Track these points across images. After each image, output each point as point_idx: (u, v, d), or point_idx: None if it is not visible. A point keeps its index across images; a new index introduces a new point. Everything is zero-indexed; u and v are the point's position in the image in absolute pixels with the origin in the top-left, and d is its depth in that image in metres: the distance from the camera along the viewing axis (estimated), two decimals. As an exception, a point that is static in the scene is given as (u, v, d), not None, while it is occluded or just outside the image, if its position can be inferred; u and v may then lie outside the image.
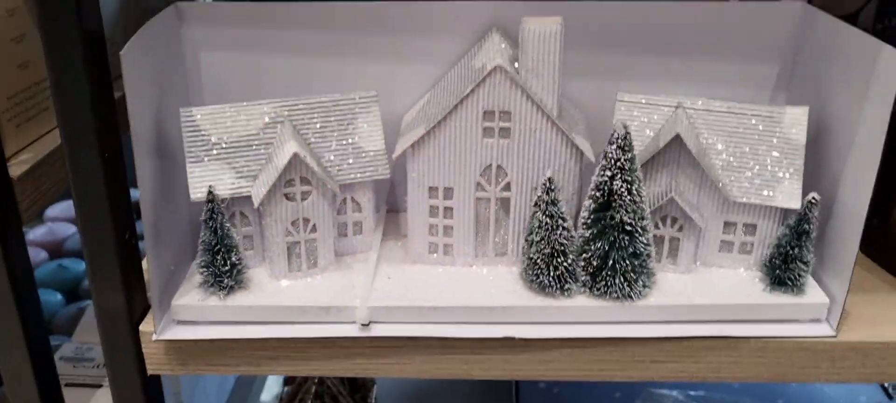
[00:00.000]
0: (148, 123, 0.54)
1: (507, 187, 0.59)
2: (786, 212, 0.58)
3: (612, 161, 0.53)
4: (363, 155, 0.59)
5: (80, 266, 1.12)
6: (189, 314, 0.56)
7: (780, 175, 0.57)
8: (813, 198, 0.54)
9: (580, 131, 0.59)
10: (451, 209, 0.59)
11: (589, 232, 0.55)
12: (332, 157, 0.59)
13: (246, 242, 0.59)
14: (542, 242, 0.55)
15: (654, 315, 0.56)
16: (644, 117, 0.59)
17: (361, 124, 0.59)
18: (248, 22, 0.62)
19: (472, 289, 0.58)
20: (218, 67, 0.64)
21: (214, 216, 0.54)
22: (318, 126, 0.59)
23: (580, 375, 0.58)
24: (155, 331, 0.55)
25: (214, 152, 0.57)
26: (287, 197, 0.57)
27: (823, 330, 0.56)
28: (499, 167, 0.58)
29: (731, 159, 0.58)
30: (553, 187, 0.54)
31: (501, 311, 0.56)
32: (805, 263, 0.56)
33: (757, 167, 0.58)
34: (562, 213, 0.54)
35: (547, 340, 0.56)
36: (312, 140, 0.58)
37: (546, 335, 0.56)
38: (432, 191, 0.59)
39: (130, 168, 0.53)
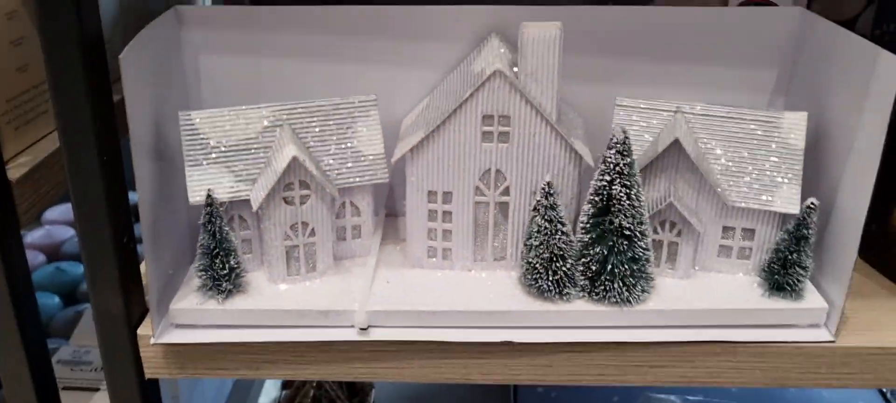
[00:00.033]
0: (147, 127, 0.54)
1: (506, 191, 0.59)
2: (784, 217, 0.58)
3: (611, 165, 0.53)
4: (362, 159, 0.59)
5: (77, 269, 1.12)
6: (187, 318, 0.56)
7: (779, 180, 0.57)
8: (812, 203, 0.54)
9: (579, 136, 0.59)
10: (450, 213, 0.59)
11: (588, 236, 0.55)
12: (331, 161, 0.59)
13: (244, 246, 0.59)
14: (541, 246, 0.55)
15: (653, 319, 0.56)
16: (643, 122, 0.59)
17: (360, 128, 0.59)
18: (248, 25, 0.62)
19: (470, 294, 0.58)
20: (217, 71, 0.64)
21: (213, 220, 0.54)
22: (317, 130, 0.59)
23: (578, 379, 0.57)
24: (153, 335, 0.55)
25: (213, 156, 0.57)
26: (286, 201, 0.57)
27: (822, 335, 0.56)
28: (498, 171, 0.58)
29: (730, 164, 0.58)
30: (552, 191, 0.54)
31: (500, 315, 0.56)
32: (804, 268, 0.56)
33: (755, 172, 0.58)
34: (561, 218, 0.54)
35: (545, 344, 0.56)
36: (311, 144, 0.58)
37: (545, 339, 0.55)
38: (431, 195, 0.59)
39: (129, 171, 0.53)
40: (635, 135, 0.58)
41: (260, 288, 0.58)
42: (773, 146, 0.58)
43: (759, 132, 0.58)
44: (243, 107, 0.57)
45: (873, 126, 0.52)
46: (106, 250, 0.53)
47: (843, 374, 0.57)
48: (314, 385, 0.89)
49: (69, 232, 1.23)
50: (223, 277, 0.56)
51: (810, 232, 0.55)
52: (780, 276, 0.56)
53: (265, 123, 0.58)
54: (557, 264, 0.55)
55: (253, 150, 0.57)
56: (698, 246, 0.60)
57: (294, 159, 0.55)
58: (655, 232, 0.58)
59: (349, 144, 0.59)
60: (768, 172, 0.57)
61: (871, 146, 0.52)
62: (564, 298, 0.56)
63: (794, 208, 0.57)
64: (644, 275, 0.56)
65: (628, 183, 0.53)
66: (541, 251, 0.55)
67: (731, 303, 0.57)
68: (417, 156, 0.58)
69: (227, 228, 0.55)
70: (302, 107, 0.58)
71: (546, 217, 0.54)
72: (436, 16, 0.62)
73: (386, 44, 0.63)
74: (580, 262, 0.56)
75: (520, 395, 0.90)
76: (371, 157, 0.60)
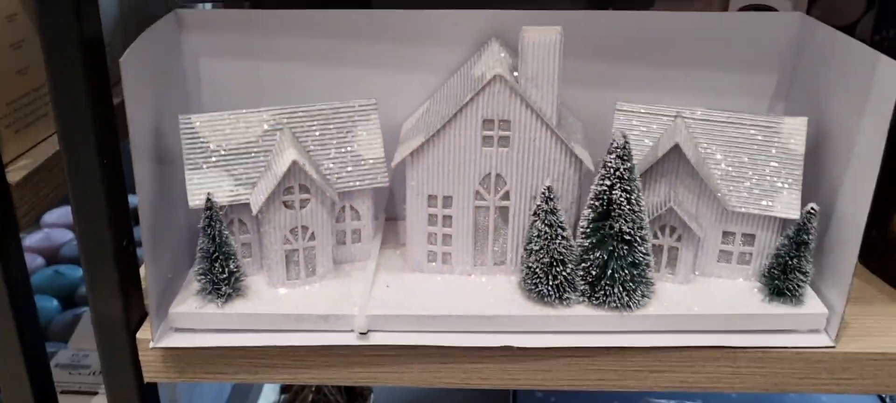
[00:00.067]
0: (147, 130, 0.54)
1: (506, 196, 0.59)
2: (784, 223, 0.58)
3: (612, 170, 0.53)
4: (362, 163, 0.59)
5: (76, 272, 1.12)
6: (186, 321, 0.56)
7: (779, 185, 0.57)
8: (812, 208, 0.54)
9: (579, 140, 0.59)
10: (450, 217, 0.59)
11: (588, 241, 0.55)
12: (331, 165, 0.59)
13: (244, 250, 0.59)
14: (541, 251, 0.55)
15: (653, 324, 0.56)
16: (643, 126, 0.59)
17: (361, 132, 0.59)
18: (248, 29, 0.62)
19: (470, 298, 0.58)
20: (217, 74, 0.64)
21: (213, 223, 0.54)
22: (317, 133, 0.59)
23: (578, 384, 0.57)
24: (152, 339, 0.55)
25: (213, 159, 0.57)
26: (286, 204, 0.56)
27: (822, 340, 0.56)
28: (498, 176, 0.58)
29: (730, 169, 0.58)
30: (552, 196, 0.54)
31: (500, 320, 0.56)
32: (804, 273, 0.56)
33: (756, 177, 0.58)
34: (561, 222, 0.54)
35: (545, 349, 0.56)
36: (311, 147, 0.58)
37: (544, 344, 0.55)
38: (431, 199, 0.59)
39: (129, 174, 0.53)
40: (635, 139, 0.58)
41: (259, 292, 0.58)
42: (774, 151, 0.58)
43: (760, 137, 0.58)
44: (243, 111, 0.57)
45: (873, 131, 0.52)
46: (105, 254, 0.53)
47: (843, 379, 0.56)
48: (313, 389, 0.89)
49: (68, 235, 1.22)
50: (223, 281, 0.55)
51: (810, 237, 0.55)
52: (781, 281, 0.56)
53: (265, 127, 0.58)
54: (557, 269, 0.55)
55: (253, 154, 0.57)
56: (698, 251, 0.60)
57: (294, 163, 0.55)
58: (655, 236, 0.58)
59: (349, 148, 0.59)
60: (768, 177, 0.57)
61: (871, 151, 0.52)
62: (564, 303, 0.56)
63: (795, 213, 0.57)
64: (644, 280, 0.56)
65: (628, 187, 0.53)
66: (541, 255, 0.55)
67: (732, 308, 0.57)
68: (417, 161, 0.58)
69: (226, 232, 0.55)
70: (302, 111, 0.58)
71: (546, 221, 0.54)
72: (436, 20, 0.62)
73: (386, 48, 0.63)
74: (580, 267, 0.56)
75: (519, 400, 0.90)
76: (371, 161, 0.60)
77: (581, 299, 0.56)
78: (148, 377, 0.57)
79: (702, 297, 0.58)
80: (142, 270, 0.58)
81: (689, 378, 0.57)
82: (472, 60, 0.61)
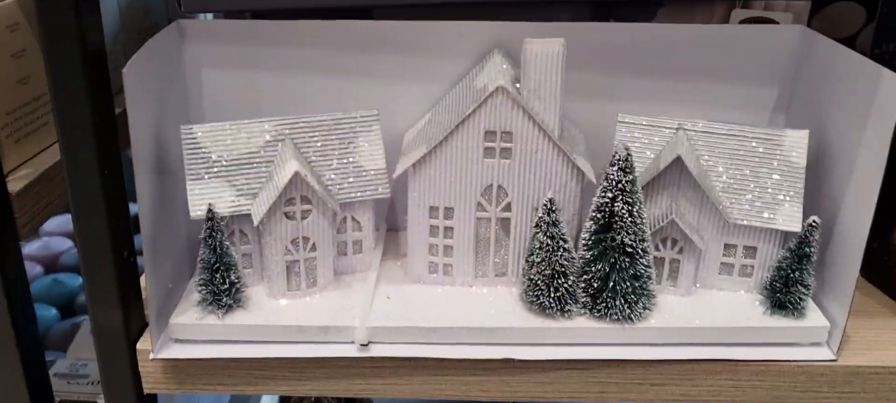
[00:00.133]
0: (148, 140, 0.54)
1: (508, 207, 0.59)
2: (786, 235, 0.58)
3: (613, 182, 0.53)
4: (364, 174, 0.59)
5: (75, 281, 1.12)
6: (187, 332, 0.56)
7: (781, 197, 0.57)
8: (813, 221, 0.54)
9: (581, 152, 0.59)
10: (452, 229, 0.59)
11: (589, 253, 0.55)
12: (332, 176, 0.59)
13: (245, 260, 0.59)
14: (543, 263, 0.55)
15: (654, 337, 0.56)
16: (645, 139, 0.59)
17: (362, 143, 0.59)
18: (251, 40, 0.62)
19: (471, 310, 0.58)
20: (219, 85, 0.64)
21: (214, 234, 0.54)
22: (319, 144, 0.58)
23: (579, 397, 0.57)
24: (152, 350, 0.55)
25: (215, 170, 0.57)
26: (287, 215, 0.56)
27: (824, 353, 0.56)
28: (500, 187, 0.58)
29: (732, 181, 0.58)
30: (554, 208, 0.54)
31: (501, 332, 0.56)
32: (806, 286, 0.56)
33: (757, 189, 0.58)
34: (562, 234, 0.54)
35: (546, 361, 0.55)
36: (313, 158, 0.58)
37: (546, 356, 0.55)
38: (433, 210, 0.59)
39: (130, 183, 0.53)
40: (637, 151, 0.58)
41: (260, 303, 0.58)
42: (775, 164, 0.58)
43: (761, 150, 0.58)
44: (245, 122, 0.57)
45: (875, 144, 0.52)
46: (106, 264, 0.53)
47: (844, 393, 0.56)
48: (313, 400, 0.88)
49: (67, 243, 1.22)
50: (223, 292, 0.55)
51: (812, 250, 0.55)
52: (782, 294, 0.56)
53: (267, 138, 0.58)
54: (559, 281, 0.55)
55: (254, 165, 0.57)
56: (700, 264, 0.60)
57: (296, 174, 0.54)
58: (657, 249, 0.58)
59: (351, 159, 0.59)
60: (770, 190, 0.57)
61: (873, 164, 0.52)
62: (566, 315, 0.56)
63: (796, 226, 0.56)
64: (646, 293, 0.56)
65: (630, 200, 0.53)
66: (542, 267, 0.55)
67: (733, 321, 0.57)
68: (419, 172, 0.58)
69: (227, 243, 0.55)
70: (304, 122, 0.58)
71: (548, 233, 0.54)
72: (438, 31, 0.62)
73: (388, 59, 0.63)
74: (582, 279, 0.56)
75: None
76: (372, 172, 0.60)
77: (582, 311, 0.56)
78: (148, 388, 0.57)
79: (703, 310, 0.58)
80: (142, 280, 0.58)
81: (690, 390, 0.57)
82: (474, 72, 0.61)
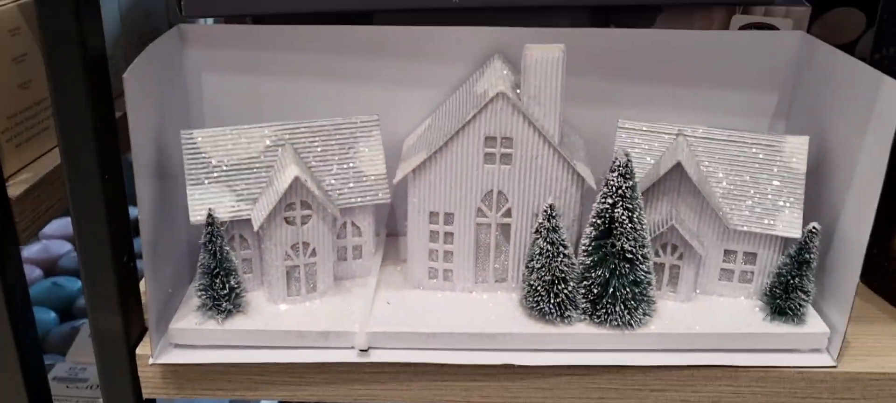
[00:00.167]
0: (149, 144, 0.54)
1: (508, 213, 0.59)
2: (786, 241, 0.58)
3: (614, 188, 0.53)
4: (364, 179, 0.59)
5: (74, 284, 1.12)
6: (186, 337, 0.56)
7: (781, 204, 0.57)
8: (814, 227, 0.54)
9: (581, 158, 0.59)
10: (452, 234, 0.59)
11: (589, 259, 0.55)
12: (332, 181, 0.59)
13: (245, 265, 0.59)
14: (543, 269, 0.55)
15: (654, 343, 0.56)
16: (645, 144, 0.59)
17: (362, 148, 0.59)
18: (251, 44, 0.62)
19: (471, 315, 0.58)
20: (220, 89, 0.64)
21: (214, 239, 0.54)
22: (319, 150, 0.58)
23: (579, 402, 0.57)
24: (152, 355, 0.55)
25: (215, 175, 0.57)
26: (287, 220, 0.56)
27: (824, 360, 0.56)
28: (500, 193, 0.58)
29: (732, 187, 0.58)
30: (554, 214, 0.54)
31: (501, 338, 0.56)
32: (806, 293, 0.56)
33: (757, 196, 0.58)
34: (563, 240, 0.54)
35: (546, 367, 0.55)
36: (313, 164, 0.58)
37: (545, 362, 0.55)
38: (433, 216, 0.59)
39: (130, 187, 0.53)
40: (637, 157, 0.58)
41: (260, 308, 0.58)
42: (775, 170, 0.58)
43: (761, 156, 0.58)
44: (245, 126, 0.57)
45: (875, 150, 0.52)
46: (105, 268, 0.53)
47: (844, 399, 0.56)
48: (312, 404, 0.88)
49: (66, 246, 1.22)
50: (223, 297, 0.55)
51: (812, 256, 0.55)
52: (782, 300, 0.56)
53: (267, 143, 0.58)
54: (559, 287, 0.55)
55: (255, 170, 0.57)
56: (700, 270, 0.60)
57: (296, 179, 0.54)
58: (657, 255, 0.58)
59: (351, 164, 0.59)
60: (770, 196, 0.57)
61: (873, 170, 0.52)
62: (566, 321, 0.56)
63: (796, 232, 0.57)
64: (646, 298, 0.56)
65: (630, 206, 0.53)
66: (542, 273, 0.55)
67: (733, 327, 0.57)
68: (419, 177, 0.58)
69: (227, 248, 0.55)
70: (304, 127, 0.58)
71: (548, 239, 0.54)
72: (438, 37, 0.62)
73: (388, 64, 0.63)
74: (582, 285, 0.56)
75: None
76: (373, 177, 0.60)
77: (582, 317, 0.56)
78: (147, 393, 0.57)
79: (703, 316, 0.58)
80: (142, 284, 0.58)
81: (690, 396, 0.57)
82: (474, 77, 0.61)
